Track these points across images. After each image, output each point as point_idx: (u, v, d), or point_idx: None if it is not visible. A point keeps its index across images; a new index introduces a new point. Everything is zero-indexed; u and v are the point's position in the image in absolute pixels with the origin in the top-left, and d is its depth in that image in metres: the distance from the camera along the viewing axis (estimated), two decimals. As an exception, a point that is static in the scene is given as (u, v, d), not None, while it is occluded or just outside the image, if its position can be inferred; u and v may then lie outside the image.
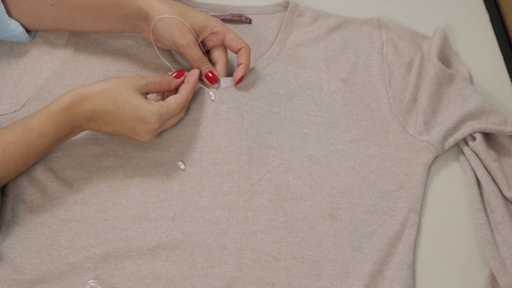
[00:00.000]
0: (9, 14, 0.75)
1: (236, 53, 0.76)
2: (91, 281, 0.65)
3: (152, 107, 0.68)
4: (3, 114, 0.74)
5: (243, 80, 0.77)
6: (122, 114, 0.67)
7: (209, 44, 0.77)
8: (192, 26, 0.73)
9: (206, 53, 0.77)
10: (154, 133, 0.70)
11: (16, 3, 0.74)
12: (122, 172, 0.72)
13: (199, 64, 0.74)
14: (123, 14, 0.73)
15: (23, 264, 0.66)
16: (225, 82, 0.76)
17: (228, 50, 0.77)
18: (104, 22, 0.75)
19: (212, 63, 0.77)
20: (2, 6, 0.73)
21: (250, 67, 0.78)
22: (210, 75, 0.75)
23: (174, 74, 0.74)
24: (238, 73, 0.75)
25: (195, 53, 0.73)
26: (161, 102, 0.70)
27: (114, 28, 0.76)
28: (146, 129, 0.68)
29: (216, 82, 0.75)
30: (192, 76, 0.74)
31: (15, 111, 0.75)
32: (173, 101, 0.70)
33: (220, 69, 0.76)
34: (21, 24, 0.76)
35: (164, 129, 0.72)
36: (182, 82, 0.74)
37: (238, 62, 0.76)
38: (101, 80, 0.68)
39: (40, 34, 0.80)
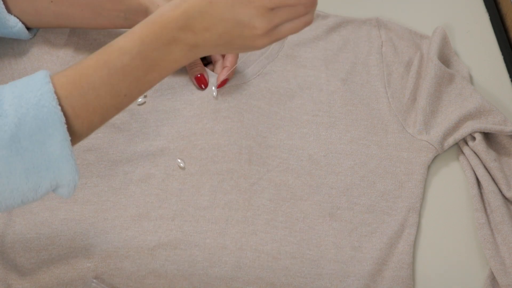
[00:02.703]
0: (9, 11, 0.74)
1: (223, 55, 0.77)
2: (92, 281, 0.65)
3: None
4: (3, 114, 0.75)
5: (237, 79, 0.77)
6: (219, 6, 0.52)
7: None
8: None
9: None
10: (268, 20, 0.53)
11: (16, 0, 0.74)
12: (122, 171, 0.72)
13: (191, 65, 0.74)
14: (123, 10, 0.73)
15: (23, 264, 0.66)
16: (224, 81, 0.77)
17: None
18: (103, 18, 0.74)
19: (212, 61, 0.78)
20: (1, 3, 0.73)
21: (246, 70, 0.78)
22: (207, 87, 0.75)
23: None
24: (221, 76, 0.75)
25: None
26: None
27: (114, 25, 0.75)
28: (254, 12, 0.52)
29: (205, 86, 0.76)
30: None
31: (15, 111, 0.75)
32: None
33: (218, 68, 0.77)
34: (20, 20, 0.76)
35: (282, 31, 0.54)
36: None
37: (224, 65, 0.76)
38: None
39: (40, 34, 0.80)
